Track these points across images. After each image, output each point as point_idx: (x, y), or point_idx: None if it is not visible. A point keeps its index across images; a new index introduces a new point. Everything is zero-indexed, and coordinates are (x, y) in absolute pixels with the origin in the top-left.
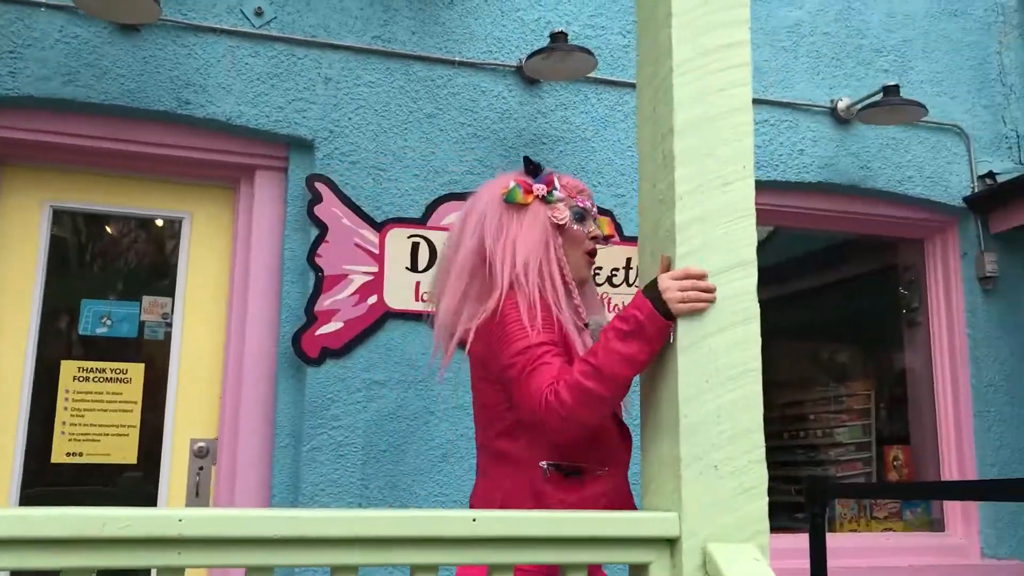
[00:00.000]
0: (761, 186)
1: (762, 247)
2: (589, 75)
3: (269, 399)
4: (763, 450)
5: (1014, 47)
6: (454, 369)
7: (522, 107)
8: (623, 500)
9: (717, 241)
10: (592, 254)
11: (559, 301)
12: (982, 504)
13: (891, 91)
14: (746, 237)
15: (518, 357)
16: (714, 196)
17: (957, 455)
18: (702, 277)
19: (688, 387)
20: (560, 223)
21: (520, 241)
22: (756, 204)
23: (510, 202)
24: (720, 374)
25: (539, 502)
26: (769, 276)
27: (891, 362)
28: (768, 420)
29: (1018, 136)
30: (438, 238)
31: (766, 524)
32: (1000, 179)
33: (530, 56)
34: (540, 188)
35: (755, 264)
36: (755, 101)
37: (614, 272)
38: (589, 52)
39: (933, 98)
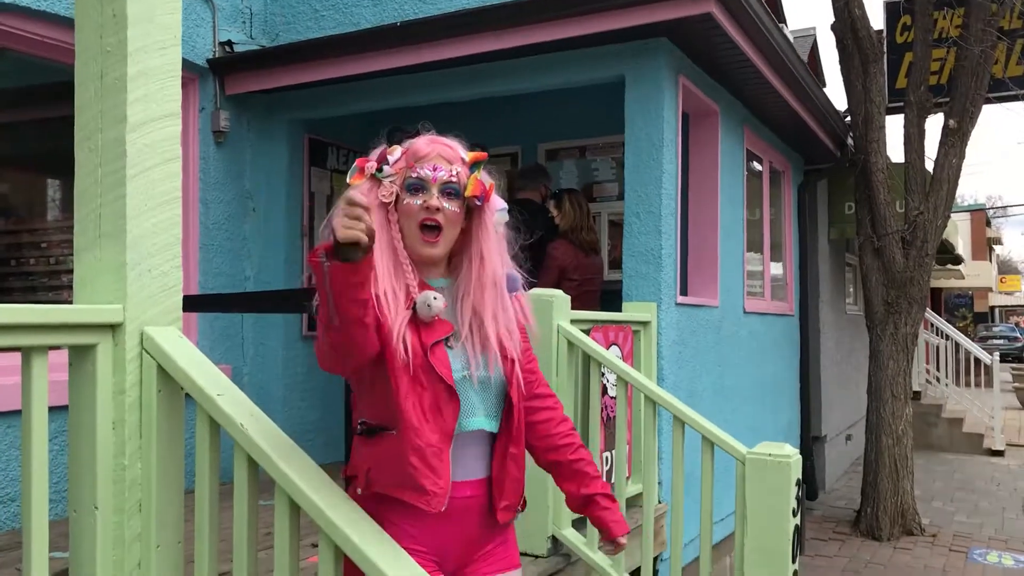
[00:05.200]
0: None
1: None
2: None
3: None
4: (180, 258)
5: None
6: None
7: None
8: (419, 459)
9: (155, 94)
10: (426, 226)
11: (384, 275)
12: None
13: None
14: (174, 94)
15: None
16: (154, 56)
17: (185, 281)
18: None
19: (134, 208)
20: (385, 201)
21: None
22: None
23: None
24: (155, 199)
25: (354, 452)
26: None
27: None
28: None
29: (252, 13)
30: None
31: (180, 313)
32: (237, 48)
33: None
34: (370, 166)
35: (179, 116)
36: None
37: None
38: None
39: None
